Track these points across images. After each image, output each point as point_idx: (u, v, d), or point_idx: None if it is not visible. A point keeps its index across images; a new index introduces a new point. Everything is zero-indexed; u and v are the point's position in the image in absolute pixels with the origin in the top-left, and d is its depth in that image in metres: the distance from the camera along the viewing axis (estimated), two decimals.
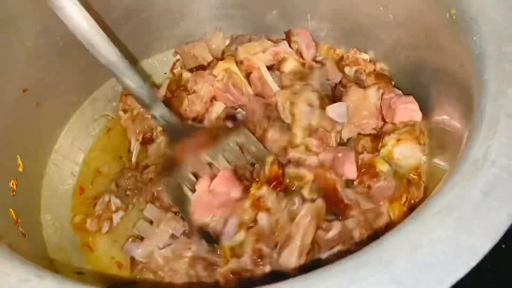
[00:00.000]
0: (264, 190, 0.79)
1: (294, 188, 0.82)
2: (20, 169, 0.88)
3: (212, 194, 0.80)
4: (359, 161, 0.84)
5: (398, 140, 0.86)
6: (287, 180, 0.83)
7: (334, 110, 0.90)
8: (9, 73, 0.85)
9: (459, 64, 0.72)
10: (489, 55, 0.64)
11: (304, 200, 0.78)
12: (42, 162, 0.97)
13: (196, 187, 0.81)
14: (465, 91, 0.69)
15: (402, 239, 0.50)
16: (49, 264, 0.87)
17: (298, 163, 0.85)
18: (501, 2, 0.69)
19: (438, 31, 0.79)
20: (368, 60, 1.01)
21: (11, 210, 0.81)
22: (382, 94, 0.91)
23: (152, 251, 0.81)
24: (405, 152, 0.85)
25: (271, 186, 0.80)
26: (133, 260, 0.83)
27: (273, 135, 0.88)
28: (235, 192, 0.80)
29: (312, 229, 0.73)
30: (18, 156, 0.88)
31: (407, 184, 0.80)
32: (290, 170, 0.83)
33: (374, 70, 0.99)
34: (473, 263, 0.47)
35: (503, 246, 0.89)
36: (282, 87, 0.95)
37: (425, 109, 0.87)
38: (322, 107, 0.90)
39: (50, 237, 0.91)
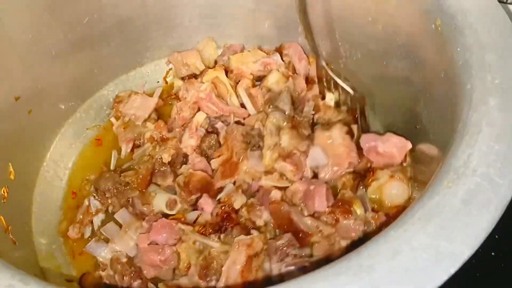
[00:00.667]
0: (194, 235, 0.81)
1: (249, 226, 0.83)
2: (12, 177, 0.88)
3: (152, 247, 0.81)
4: (339, 195, 0.85)
5: (391, 176, 0.85)
6: (243, 219, 0.84)
7: (313, 158, 0.88)
8: (1, 81, 0.86)
9: (444, 74, 0.73)
10: (472, 64, 0.66)
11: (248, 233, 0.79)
12: (34, 169, 0.98)
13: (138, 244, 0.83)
14: (449, 101, 0.70)
15: (383, 245, 0.50)
16: (39, 272, 0.87)
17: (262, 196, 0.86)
18: (484, 12, 0.71)
19: (424, 41, 0.80)
20: None
21: (1, 217, 0.81)
22: (348, 131, 0.90)
23: (116, 254, 0.83)
24: (395, 191, 0.85)
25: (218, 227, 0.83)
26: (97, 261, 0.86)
27: (247, 166, 0.88)
28: (172, 239, 0.81)
29: (242, 258, 0.74)
30: (9, 163, 0.88)
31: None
32: (242, 215, 0.84)
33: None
34: (452, 269, 0.48)
35: (493, 254, 0.90)
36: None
37: (412, 119, 0.88)
38: (294, 127, 0.90)
39: (41, 244, 0.91)
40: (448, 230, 0.50)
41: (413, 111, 0.87)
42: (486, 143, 0.57)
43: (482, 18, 0.70)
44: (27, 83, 0.93)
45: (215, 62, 1.11)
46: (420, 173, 0.84)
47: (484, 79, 0.63)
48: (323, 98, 0.99)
